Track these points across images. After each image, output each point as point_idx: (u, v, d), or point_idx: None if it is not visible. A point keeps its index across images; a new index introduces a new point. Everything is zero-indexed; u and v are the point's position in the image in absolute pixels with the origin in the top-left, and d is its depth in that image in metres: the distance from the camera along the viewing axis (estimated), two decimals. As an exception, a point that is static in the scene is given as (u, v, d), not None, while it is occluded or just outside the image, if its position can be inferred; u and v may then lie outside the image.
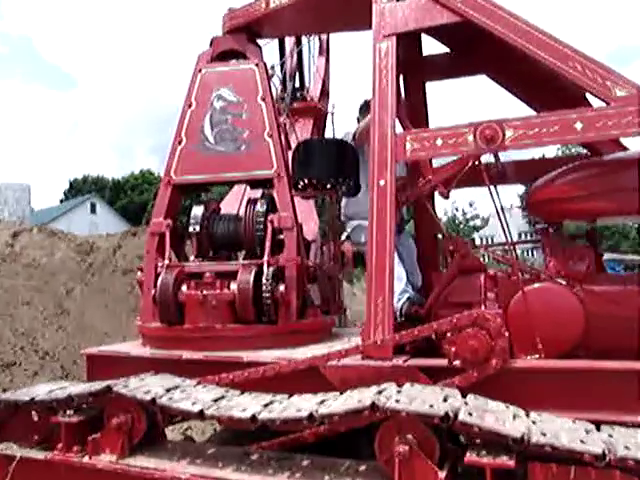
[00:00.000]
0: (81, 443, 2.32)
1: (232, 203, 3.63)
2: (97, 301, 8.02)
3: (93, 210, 38.40)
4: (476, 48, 3.34)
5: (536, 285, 2.51)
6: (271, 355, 2.65)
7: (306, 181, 3.16)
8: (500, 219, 2.57)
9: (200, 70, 3.36)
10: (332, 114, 4.93)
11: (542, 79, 3.17)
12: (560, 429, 1.77)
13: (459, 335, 2.13)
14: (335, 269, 3.66)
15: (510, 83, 3.36)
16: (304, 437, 2.34)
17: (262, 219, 3.10)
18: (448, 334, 2.19)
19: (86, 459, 2.27)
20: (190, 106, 3.32)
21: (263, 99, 3.25)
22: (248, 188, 3.58)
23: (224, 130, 3.25)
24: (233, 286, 2.87)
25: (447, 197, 2.70)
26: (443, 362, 2.27)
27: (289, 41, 5.11)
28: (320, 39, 5.52)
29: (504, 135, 2.39)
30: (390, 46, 2.65)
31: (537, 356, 2.39)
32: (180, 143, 3.29)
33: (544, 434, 1.71)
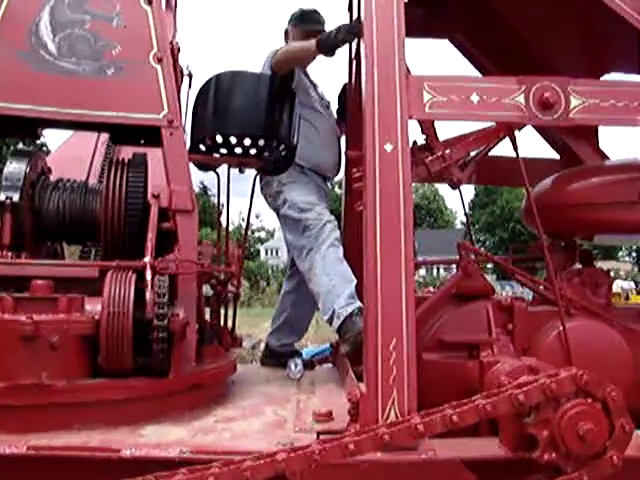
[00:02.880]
0: None
1: (72, 163, 2.23)
2: None
3: None
4: (447, 5, 2.58)
5: (577, 321, 1.78)
6: (173, 441, 1.42)
7: (219, 139, 1.98)
8: (538, 226, 1.78)
9: None
10: (190, 76, 3.76)
11: (519, 50, 2.57)
12: None
13: (558, 411, 1.24)
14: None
15: (478, 52, 2.66)
16: None
17: (140, 193, 1.84)
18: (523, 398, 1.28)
19: None
20: (14, -14, 1.90)
21: (149, 2, 2.00)
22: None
23: (77, 37, 1.90)
24: (91, 307, 1.56)
25: (458, 187, 1.82)
26: (496, 449, 1.36)
27: None
28: (168, -7, 4.38)
29: (568, 103, 1.63)
30: None
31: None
32: (-11, 45, 1.84)
33: None
